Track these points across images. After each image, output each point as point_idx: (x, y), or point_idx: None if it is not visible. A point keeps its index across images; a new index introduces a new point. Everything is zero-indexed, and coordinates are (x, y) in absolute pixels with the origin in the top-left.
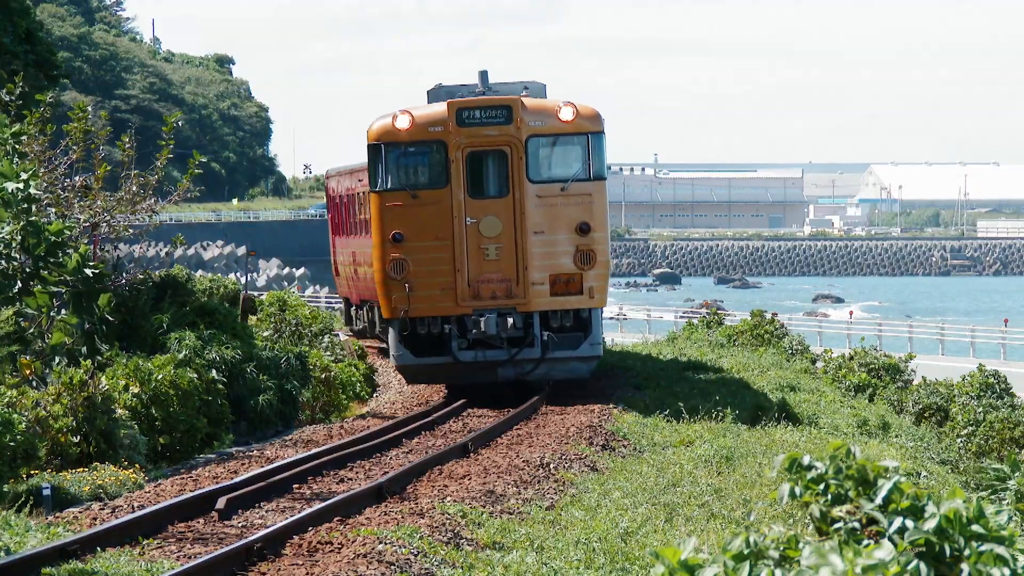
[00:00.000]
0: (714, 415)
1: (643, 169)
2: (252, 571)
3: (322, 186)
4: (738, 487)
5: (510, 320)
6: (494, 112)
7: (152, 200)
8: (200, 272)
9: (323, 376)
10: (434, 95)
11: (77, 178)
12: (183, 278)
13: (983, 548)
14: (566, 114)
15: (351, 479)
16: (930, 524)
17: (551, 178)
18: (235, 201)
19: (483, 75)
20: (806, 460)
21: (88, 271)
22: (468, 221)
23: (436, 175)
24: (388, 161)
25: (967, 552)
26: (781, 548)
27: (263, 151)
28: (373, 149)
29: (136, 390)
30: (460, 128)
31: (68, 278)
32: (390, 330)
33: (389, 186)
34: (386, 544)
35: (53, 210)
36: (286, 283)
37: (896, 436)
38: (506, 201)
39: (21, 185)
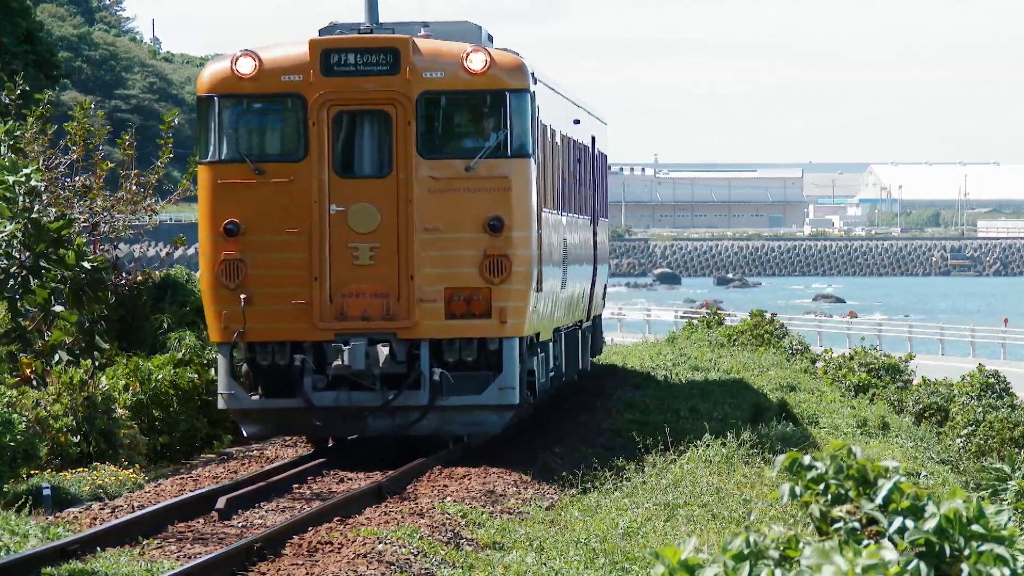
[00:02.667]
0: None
1: (643, 169)
2: (252, 571)
3: None
4: (738, 487)
5: (386, 350)
6: (375, 57)
7: (152, 200)
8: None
9: None
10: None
11: (78, 178)
12: (183, 278)
13: (983, 548)
14: (476, 62)
15: (351, 479)
16: (930, 524)
17: (452, 152)
18: None
19: (371, 3)
20: (806, 460)
21: (86, 263)
22: (333, 209)
23: (290, 143)
24: (223, 120)
25: (967, 552)
26: (781, 548)
27: None
28: (203, 104)
29: (136, 390)
30: (326, 78)
31: (67, 275)
32: (219, 359)
33: (223, 156)
34: (386, 544)
35: (53, 210)
36: None
37: (896, 436)
38: (387, 183)
39: (23, 178)
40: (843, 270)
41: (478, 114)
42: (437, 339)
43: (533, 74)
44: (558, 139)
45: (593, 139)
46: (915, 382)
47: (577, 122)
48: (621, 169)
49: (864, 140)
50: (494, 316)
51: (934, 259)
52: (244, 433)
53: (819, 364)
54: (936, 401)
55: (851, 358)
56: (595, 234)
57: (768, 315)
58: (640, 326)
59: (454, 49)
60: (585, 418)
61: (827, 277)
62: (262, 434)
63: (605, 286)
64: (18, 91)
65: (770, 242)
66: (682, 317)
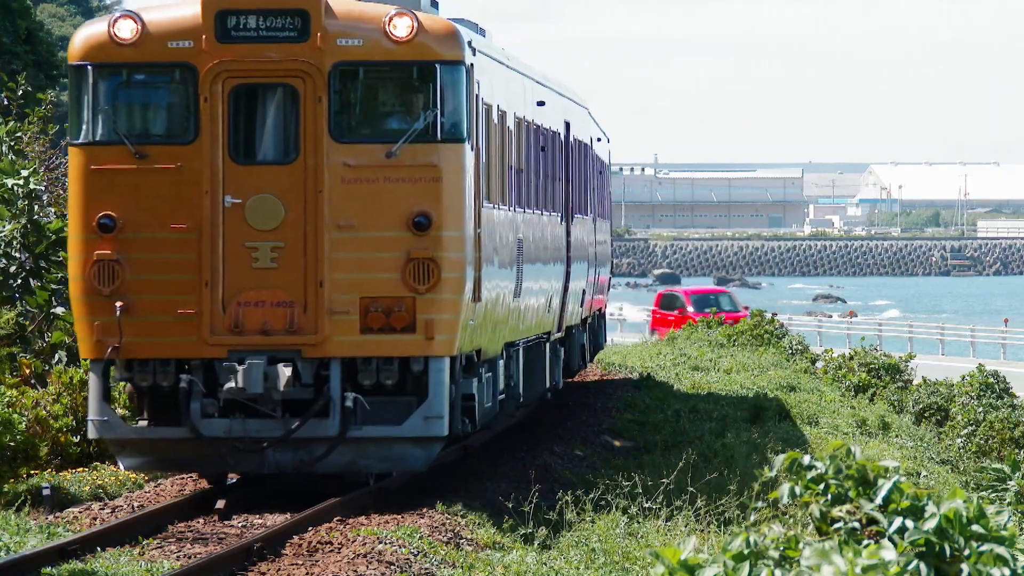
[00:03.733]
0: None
1: (643, 169)
2: (252, 571)
3: None
4: (738, 487)
5: (289, 371)
6: (280, 20)
7: None
8: None
9: None
10: None
11: None
12: None
13: (983, 548)
14: (400, 29)
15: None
16: (930, 524)
17: (371, 135)
18: None
19: None
20: (806, 460)
21: None
22: (228, 201)
23: (177, 122)
24: (98, 94)
25: (967, 552)
26: (781, 548)
27: None
28: (75, 74)
29: None
30: (222, 45)
31: (67, 275)
32: (90, 379)
33: (97, 137)
34: (386, 544)
35: (53, 210)
36: None
37: (896, 436)
38: (293, 171)
39: (21, 181)
40: (843, 270)
41: (402, 90)
42: (350, 358)
43: (471, 43)
44: (511, 123)
45: (567, 125)
46: (915, 382)
47: (541, 104)
48: (621, 169)
49: (864, 140)
50: (419, 331)
51: (934, 259)
52: (122, 467)
53: (819, 364)
54: (936, 401)
55: (851, 358)
56: (568, 233)
57: (768, 315)
58: (640, 326)
59: (375, 12)
60: (585, 418)
61: (827, 277)
62: (143, 468)
63: (605, 288)
64: (19, 91)
65: (770, 242)
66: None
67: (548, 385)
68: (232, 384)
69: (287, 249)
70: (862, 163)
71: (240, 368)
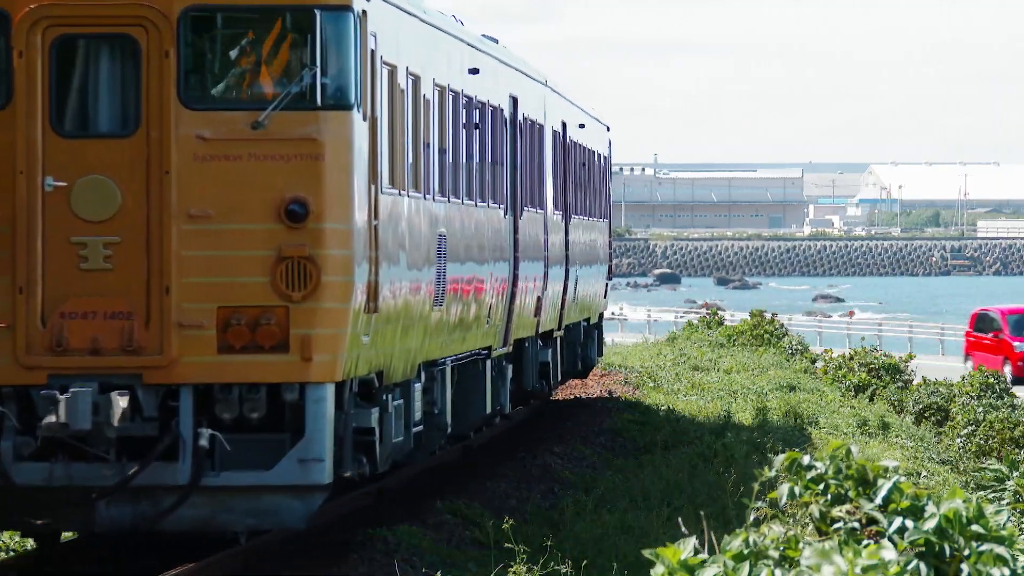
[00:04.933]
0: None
1: (643, 169)
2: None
3: None
4: (738, 487)
5: (124, 401)
6: None
7: None
8: None
9: None
10: None
11: None
12: None
13: (983, 548)
14: None
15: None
16: (930, 524)
17: (232, 101)
18: None
19: None
20: (806, 460)
21: None
22: (49, 184)
23: None
24: None
25: (967, 552)
26: (781, 548)
27: None
28: None
29: None
30: None
31: None
32: None
33: None
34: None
35: None
36: None
37: (896, 436)
38: (132, 146)
39: None
40: (843, 270)
41: (272, 43)
42: (205, 384)
43: None
44: (428, 91)
45: (514, 101)
46: (915, 382)
47: (474, 72)
48: (621, 169)
49: (864, 140)
50: (293, 350)
51: (934, 259)
52: None
53: (819, 364)
54: (936, 401)
55: (851, 358)
56: (516, 230)
57: (768, 315)
58: (640, 326)
59: None
60: (585, 418)
61: (827, 277)
62: None
63: (596, 295)
64: None
65: (770, 242)
66: (682, 317)
67: (489, 411)
68: (53, 418)
69: (124, 246)
70: (862, 163)
71: (63, 398)
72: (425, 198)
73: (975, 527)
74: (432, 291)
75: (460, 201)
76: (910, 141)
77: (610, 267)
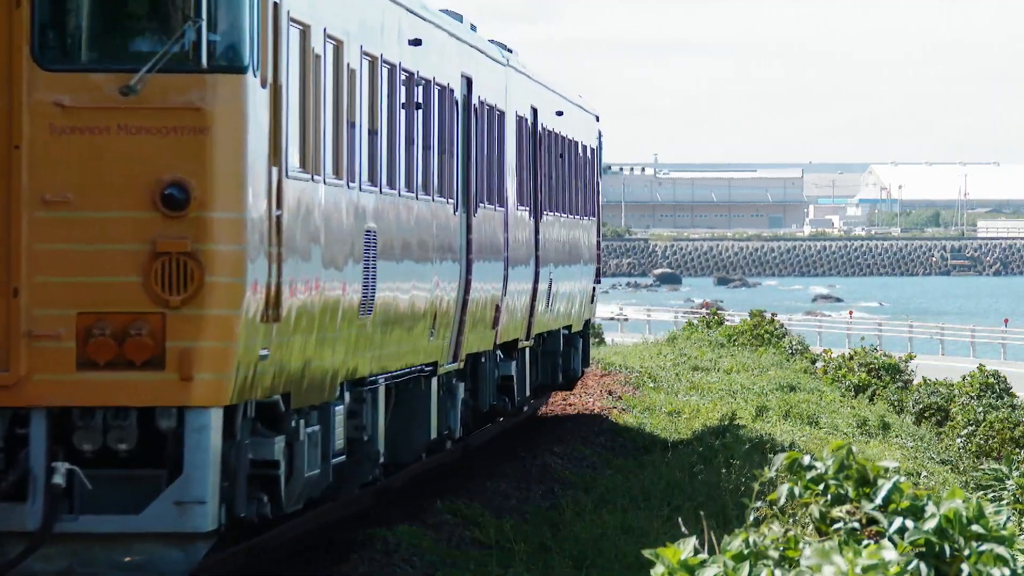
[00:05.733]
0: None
1: (643, 169)
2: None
3: None
4: (738, 487)
5: None
6: None
7: None
8: None
9: None
10: None
11: None
12: None
13: (983, 548)
14: None
15: None
16: (930, 524)
17: (97, 60)
18: None
19: None
20: (806, 460)
21: None
22: None
23: None
24: None
25: (967, 552)
26: (781, 548)
27: None
28: None
29: None
30: None
31: None
32: None
33: None
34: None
35: None
36: None
37: (896, 436)
38: None
39: None
40: (843, 270)
41: None
42: (62, 408)
43: None
44: (354, 60)
45: (467, 81)
46: (915, 382)
47: (416, 43)
48: (621, 169)
49: (864, 140)
50: (170, 367)
51: (934, 259)
52: None
53: (819, 364)
54: (936, 401)
55: (851, 358)
56: (469, 228)
57: (768, 315)
58: (640, 326)
59: None
60: (585, 418)
61: (827, 277)
62: None
63: (581, 301)
64: None
65: (770, 242)
66: (682, 317)
67: (435, 435)
68: None
69: None
70: (862, 163)
71: None
72: (349, 186)
73: (975, 527)
74: (357, 296)
75: (396, 192)
76: (910, 141)
77: (598, 270)
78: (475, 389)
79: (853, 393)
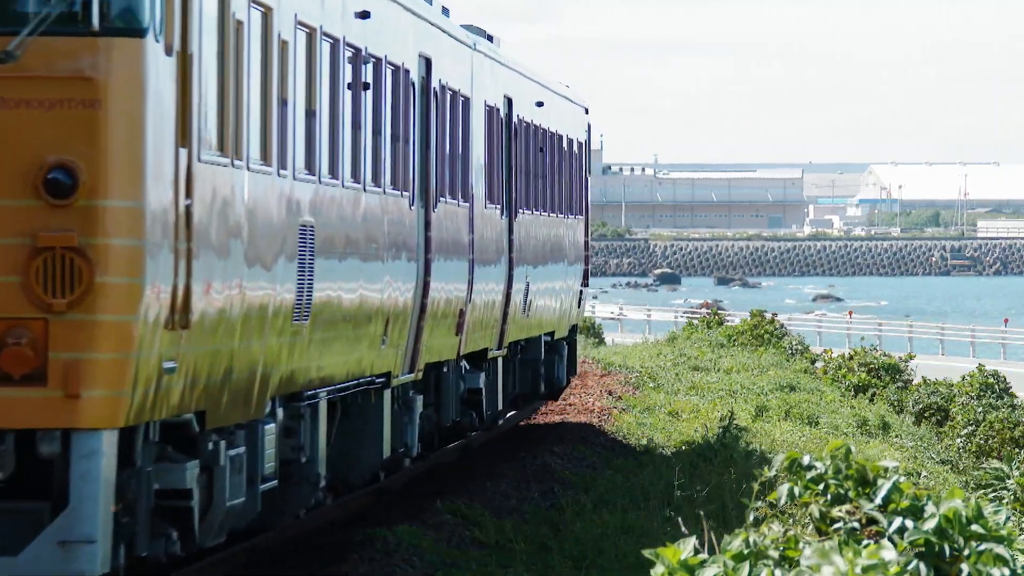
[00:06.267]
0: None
1: (643, 169)
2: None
3: None
4: (738, 487)
5: None
6: None
7: None
8: None
9: None
10: None
11: None
12: None
13: (983, 548)
14: None
15: None
16: (930, 524)
17: None
18: None
19: None
20: (806, 460)
21: None
22: None
23: None
24: None
25: (967, 552)
26: (781, 548)
27: None
28: None
29: None
30: None
31: None
32: None
33: None
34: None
35: None
36: None
37: (896, 436)
38: None
39: None
40: (843, 270)
41: None
42: None
43: None
44: (288, 33)
45: (427, 62)
46: (915, 382)
47: (364, 16)
48: (621, 169)
49: (864, 140)
50: (53, 382)
51: (934, 259)
52: None
53: (819, 364)
54: (936, 401)
55: (851, 358)
56: (428, 225)
57: (768, 315)
58: (640, 326)
59: None
60: (585, 418)
61: (827, 277)
62: None
63: (565, 307)
64: None
65: (770, 242)
66: (682, 317)
67: (388, 454)
68: None
69: None
70: (862, 163)
71: None
72: (281, 174)
73: (975, 527)
74: (290, 299)
75: (339, 183)
76: (910, 141)
77: (586, 272)
78: (437, 403)
79: (853, 393)
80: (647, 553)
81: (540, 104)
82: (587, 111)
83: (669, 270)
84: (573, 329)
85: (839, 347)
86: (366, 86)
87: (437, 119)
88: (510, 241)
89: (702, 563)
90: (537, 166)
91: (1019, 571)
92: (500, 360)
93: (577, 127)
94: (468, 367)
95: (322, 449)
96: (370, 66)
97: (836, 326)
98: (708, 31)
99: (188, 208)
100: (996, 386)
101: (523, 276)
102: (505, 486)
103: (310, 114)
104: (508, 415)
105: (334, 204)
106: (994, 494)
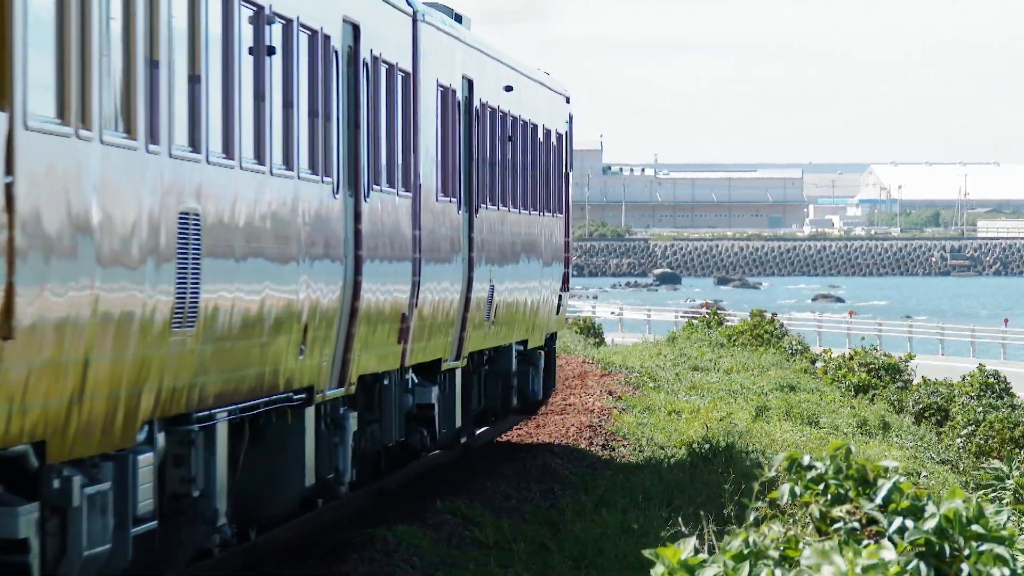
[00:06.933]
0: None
1: (643, 169)
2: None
3: None
4: (737, 486)
5: None
6: None
7: None
8: None
9: None
10: None
11: None
12: None
13: (983, 548)
14: None
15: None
16: (930, 524)
17: None
18: None
19: None
20: (806, 460)
21: None
22: None
23: None
24: None
25: (967, 552)
26: (781, 548)
27: None
28: None
29: None
30: None
31: None
32: None
33: None
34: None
35: None
36: None
37: (896, 436)
38: None
39: None
40: (843, 270)
41: None
42: None
43: None
44: None
45: (353, 29)
46: (915, 382)
47: None
48: (621, 169)
49: (864, 140)
50: None
51: (934, 259)
52: None
53: (819, 364)
54: (936, 401)
55: (851, 358)
56: (359, 217)
57: (768, 315)
58: (640, 326)
59: None
60: (584, 418)
61: (827, 277)
62: None
63: (543, 308)
64: None
65: (770, 242)
66: (682, 317)
67: (312, 481)
68: None
69: None
70: (862, 163)
71: None
72: (151, 150)
73: (975, 527)
74: (167, 303)
75: (236, 163)
76: (910, 141)
77: (566, 275)
78: (383, 420)
79: (853, 393)
80: (647, 553)
81: (509, 89)
82: (568, 100)
83: (669, 270)
84: (552, 337)
85: (839, 347)
86: (271, 50)
87: (370, 94)
88: (470, 239)
89: (702, 563)
90: (506, 157)
91: (1019, 571)
92: (459, 372)
93: (556, 117)
94: (418, 380)
95: (222, 481)
96: (277, 28)
97: (836, 326)
98: (708, 31)
99: (9, 188)
100: (996, 386)
101: (486, 278)
102: (505, 486)
103: (194, 80)
104: (479, 431)
105: (228, 189)
106: (994, 494)
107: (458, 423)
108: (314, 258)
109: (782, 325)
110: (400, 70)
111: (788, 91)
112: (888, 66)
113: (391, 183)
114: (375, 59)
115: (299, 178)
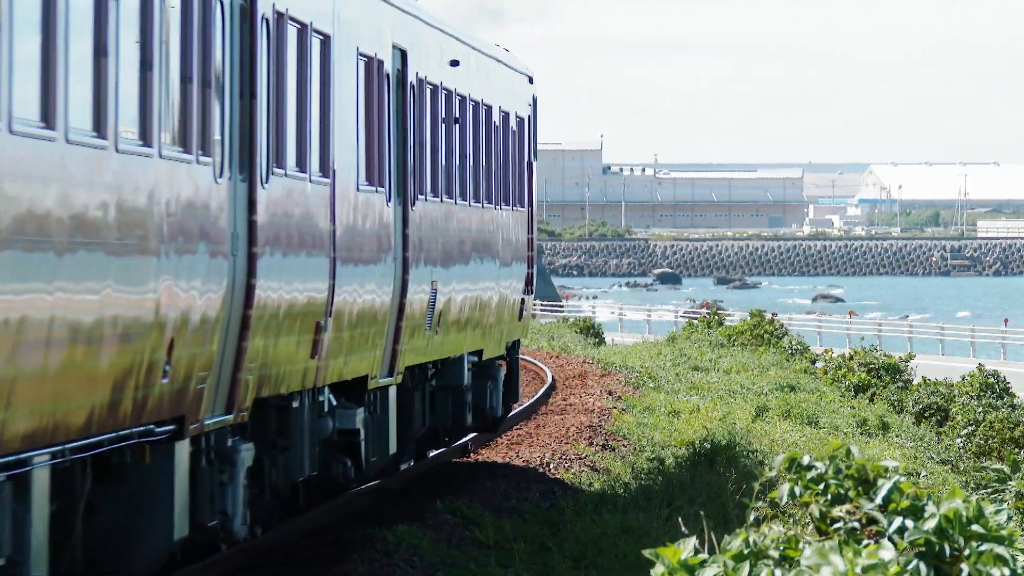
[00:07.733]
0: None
1: (643, 169)
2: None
3: None
4: (738, 486)
5: None
6: None
7: None
8: None
9: None
10: None
11: None
12: None
13: (983, 548)
14: None
15: None
16: (930, 524)
17: None
18: None
19: None
20: (806, 460)
21: None
22: None
23: None
24: None
25: (967, 552)
26: (781, 548)
27: None
28: None
29: None
30: None
31: None
32: None
33: None
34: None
35: None
36: None
37: (896, 436)
38: None
39: None
40: (843, 270)
41: None
42: None
43: None
44: None
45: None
46: (915, 382)
47: None
48: (621, 169)
49: (864, 140)
50: None
51: (934, 259)
52: None
53: (819, 364)
54: (936, 401)
55: (851, 358)
56: (253, 206)
57: (768, 315)
58: (640, 326)
59: None
60: (584, 418)
61: (827, 277)
62: None
63: (511, 311)
64: None
65: (770, 242)
66: (682, 317)
67: (184, 533)
68: None
69: None
70: (862, 163)
71: None
72: None
73: (975, 527)
74: None
75: (60, 133)
76: (910, 141)
77: (530, 275)
78: (290, 453)
79: (853, 393)
80: (647, 553)
81: (455, 64)
82: (531, 80)
83: (669, 270)
84: (514, 346)
85: (839, 347)
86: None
87: (270, 58)
88: (404, 235)
89: (702, 563)
90: (451, 142)
91: (1019, 571)
92: (392, 390)
93: (516, 98)
94: (339, 401)
95: (39, 543)
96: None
97: (836, 326)
98: (708, 31)
99: None
100: (996, 386)
101: (427, 280)
102: (505, 486)
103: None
104: (431, 454)
105: (38, 168)
106: (995, 495)
107: (392, 449)
108: (182, 253)
109: (782, 325)
110: (316, 32)
111: (788, 91)
112: (888, 66)
113: (301, 167)
114: (279, 15)
115: (160, 156)
